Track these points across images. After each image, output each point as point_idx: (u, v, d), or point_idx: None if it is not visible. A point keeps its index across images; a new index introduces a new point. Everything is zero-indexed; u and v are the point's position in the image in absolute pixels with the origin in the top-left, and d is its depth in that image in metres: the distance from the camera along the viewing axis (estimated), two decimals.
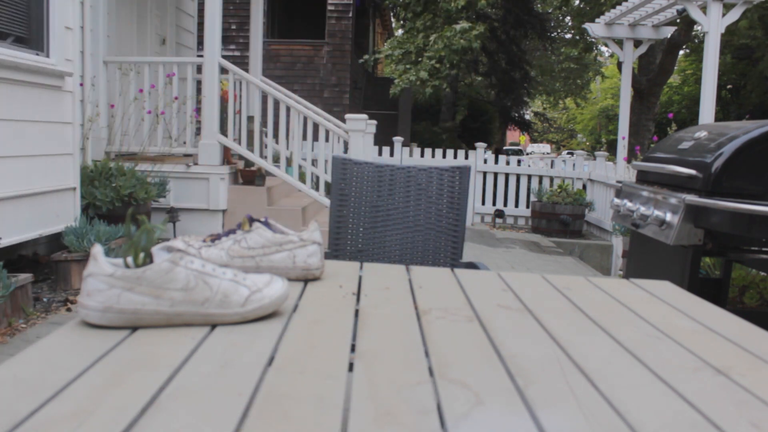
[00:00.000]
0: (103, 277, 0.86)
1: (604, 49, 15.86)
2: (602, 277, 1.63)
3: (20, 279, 3.19)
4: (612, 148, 13.78)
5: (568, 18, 17.23)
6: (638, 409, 0.71)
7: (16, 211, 3.52)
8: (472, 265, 1.81)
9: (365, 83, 14.97)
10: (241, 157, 5.72)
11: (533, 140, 37.69)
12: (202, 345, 0.83)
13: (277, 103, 5.51)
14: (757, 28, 13.88)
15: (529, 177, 8.52)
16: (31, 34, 3.71)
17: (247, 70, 6.45)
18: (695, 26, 10.98)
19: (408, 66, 11.03)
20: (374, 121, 6.61)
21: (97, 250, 0.88)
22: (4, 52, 3.38)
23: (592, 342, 0.96)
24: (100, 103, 5.32)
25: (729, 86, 19.01)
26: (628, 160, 7.65)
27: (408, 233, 2.01)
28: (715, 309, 1.20)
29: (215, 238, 1.17)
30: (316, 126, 5.61)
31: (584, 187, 8.27)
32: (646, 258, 2.99)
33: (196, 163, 5.32)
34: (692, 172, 2.53)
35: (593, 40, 11.52)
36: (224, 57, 5.55)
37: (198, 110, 5.50)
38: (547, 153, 35.18)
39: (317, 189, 5.60)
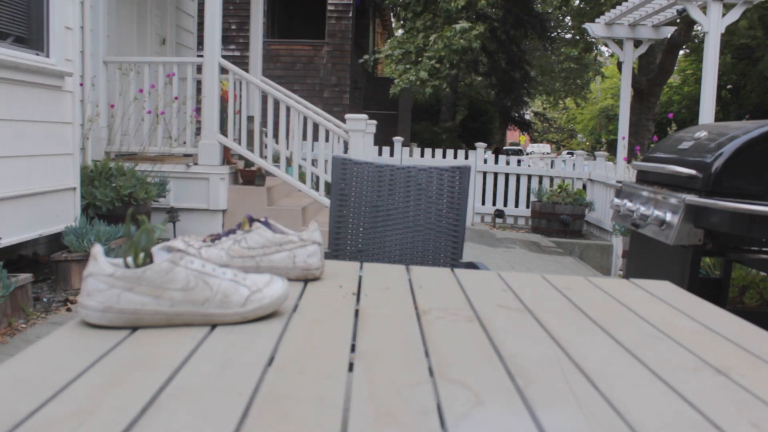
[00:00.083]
0: (103, 277, 0.86)
1: (604, 49, 15.87)
2: (602, 277, 1.63)
3: (20, 279, 3.19)
4: (612, 148, 13.77)
5: (568, 18, 17.23)
6: (638, 409, 0.71)
7: (16, 211, 3.52)
8: (472, 265, 1.81)
9: (365, 83, 14.96)
10: (241, 157, 5.72)
11: (533, 140, 37.68)
12: (202, 345, 0.83)
13: (277, 103, 5.51)
14: (757, 28, 13.88)
15: (529, 177, 8.52)
16: (31, 34, 3.71)
17: (247, 70, 6.45)
18: (695, 26, 10.98)
19: (408, 66, 11.03)
20: (374, 121, 6.61)
21: (97, 250, 0.88)
22: (4, 52, 3.38)
23: (592, 342, 0.96)
24: (100, 103, 5.32)
25: (729, 86, 19.02)
26: (628, 160, 7.65)
27: (408, 233, 2.01)
28: (715, 309, 1.20)
29: (215, 238, 1.17)
30: (316, 126, 5.61)
31: (584, 187, 8.27)
32: (646, 258, 2.99)
33: (196, 163, 5.32)
34: (692, 172, 2.53)
35: (593, 40, 11.51)
36: (224, 57, 5.55)
37: (198, 110, 5.50)
38: (547, 153, 35.15)
39: (317, 189, 5.60)
